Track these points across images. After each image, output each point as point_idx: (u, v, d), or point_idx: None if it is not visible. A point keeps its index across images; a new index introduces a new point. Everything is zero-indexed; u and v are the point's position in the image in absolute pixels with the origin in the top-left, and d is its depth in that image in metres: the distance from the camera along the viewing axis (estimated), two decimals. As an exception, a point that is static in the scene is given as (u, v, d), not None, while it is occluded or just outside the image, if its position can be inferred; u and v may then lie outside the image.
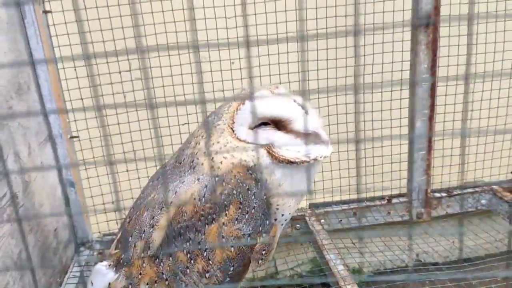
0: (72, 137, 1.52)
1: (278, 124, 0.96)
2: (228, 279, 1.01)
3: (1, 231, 1.08)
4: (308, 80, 1.63)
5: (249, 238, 0.97)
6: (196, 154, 0.97)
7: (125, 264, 1.03)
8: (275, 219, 1.01)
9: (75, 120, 1.52)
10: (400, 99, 1.73)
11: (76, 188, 1.53)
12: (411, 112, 1.72)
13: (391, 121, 1.77)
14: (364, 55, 1.66)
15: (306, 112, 0.95)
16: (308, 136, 0.95)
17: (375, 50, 1.68)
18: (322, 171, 1.77)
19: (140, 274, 1.00)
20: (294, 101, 0.96)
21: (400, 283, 1.85)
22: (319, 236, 1.65)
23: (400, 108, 1.74)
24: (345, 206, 1.83)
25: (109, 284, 1.04)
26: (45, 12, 1.43)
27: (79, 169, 1.56)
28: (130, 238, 1.01)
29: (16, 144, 1.21)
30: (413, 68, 1.66)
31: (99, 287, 1.05)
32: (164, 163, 1.08)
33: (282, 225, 1.03)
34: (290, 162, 0.94)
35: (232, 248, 0.97)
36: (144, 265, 0.99)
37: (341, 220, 1.82)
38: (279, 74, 1.59)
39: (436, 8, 1.57)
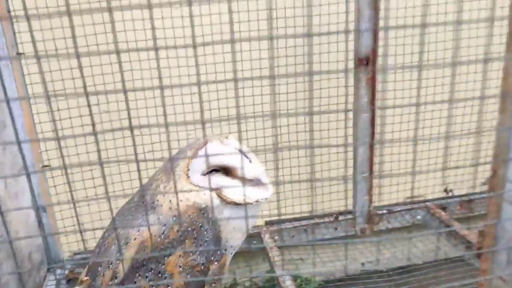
0: (44, 166, 1.65)
1: (227, 170, 1.14)
2: (185, 301, 1.18)
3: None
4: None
5: (202, 266, 1.15)
6: (156, 196, 1.13)
7: (94, 290, 1.18)
8: (225, 250, 1.18)
9: (46, 150, 1.66)
10: (345, 127, 1.95)
11: (48, 212, 1.67)
12: (355, 140, 1.93)
13: (337, 147, 1.98)
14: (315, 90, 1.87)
15: (250, 161, 1.13)
16: (251, 182, 1.13)
17: (322, 85, 1.88)
18: (278, 192, 1.96)
19: (108, 299, 1.16)
20: (240, 151, 1.14)
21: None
22: (272, 253, 1.84)
23: (346, 135, 1.96)
24: (296, 223, 2.02)
25: (81, 308, 1.19)
26: (18, 54, 1.55)
27: (50, 194, 1.69)
28: (100, 268, 1.17)
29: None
30: (356, 100, 1.87)
31: (72, 310, 1.20)
32: (129, 200, 1.24)
33: (231, 254, 1.21)
34: (236, 204, 1.12)
35: (188, 275, 1.14)
36: (111, 291, 1.15)
37: (293, 236, 2.02)
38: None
39: (374, 50, 1.79)
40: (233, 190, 1.12)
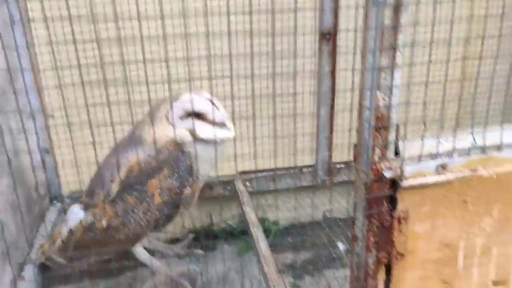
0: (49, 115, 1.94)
1: (199, 116, 1.44)
2: (163, 217, 1.50)
3: (2, 182, 1.52)
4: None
5: (178, 189, 1.46)
6: (142, 135, 1.44)
7: (91, 207, 1.49)
8: (196, 177, 1.50)
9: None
10: (310, 91, 2.25)
11: (50, 154, 1.97)
12: (318, 103, 2.23)
13: (302, 108, 2.28)
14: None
15: (218, 109, 1.43)
16: (218, 125, 1.44)
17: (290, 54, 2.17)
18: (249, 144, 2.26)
19: (102, 214, 1.47)
20: (210, 101, 1.44)
21: (310, 232, 2.42)
22: (243, 198, 2.16)
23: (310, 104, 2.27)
24: (266, 174, 2.34)
25: (80, 220, 1.50)
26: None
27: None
28: (95, 189, 1.48)
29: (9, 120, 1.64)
30: (319, 69, 2.17)
31: (73, 222, 1.52)
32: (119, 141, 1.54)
33: (201, 182, 1.53)
34: (205, 141, 1.43)
35: (166, 196, 1.45)
36: (105, 207, 1.46)
37: (262, 184, 2.34)
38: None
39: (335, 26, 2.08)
40: (204, 130, 1.43)
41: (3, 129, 1.57)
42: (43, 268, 1.67)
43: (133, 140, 1.45)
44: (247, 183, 2.31)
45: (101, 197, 1.47)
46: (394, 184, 0.89)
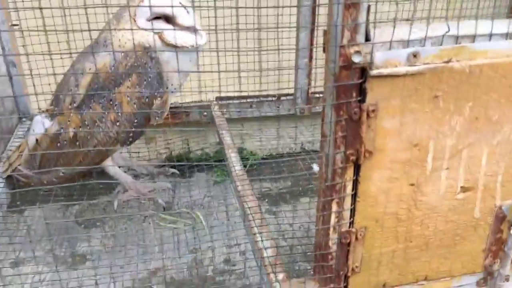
0: (12, 25, 1.83)
1: (168, 19, 1.36)
2: (133, 128, 1.45)
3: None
4: None
5: (147, 99, 1.41)
6: (108, 36, 1.36)
7: (57, 114, 1.44)
8: (167, 88, 1.44)
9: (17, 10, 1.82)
10: (290, 14, 2.16)
11: (17, 67, 1.88)
12: (298, 27, 2.15)
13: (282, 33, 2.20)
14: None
15: (188, 12, 1.35)
16: (188, 29, 1.36)
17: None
18: (226, 66, 2.18)
19: (69, 121, 1.42)
20: (180, 3, 1.35)
21: (286, 163, 2.41)
22: (219, 121, 2.11)
23: (290, 22, 2.18)
24: (243, 100, 2.29)
25: (46, 129, 1.45)
26: None
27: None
28: (61, 95, 1.42)
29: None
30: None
31: (39, 132, 1.46)
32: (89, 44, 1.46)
33: (172, 92, 1.47)
34: (174, 46, 1.36)
35: (135, 105, 1.40)
36: (71, 115, 1.41)
37: (239, 111, 2.30)
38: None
39: None
40: (173, 33, 1.36)
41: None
42: (12, 187, 1.63)
43: (98, 44, 1.37)
44: (224, 110, 2.26)
45: (67, 104, 1.41)
46: (363, 73, 0.85)
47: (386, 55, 0.83)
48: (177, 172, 1.85)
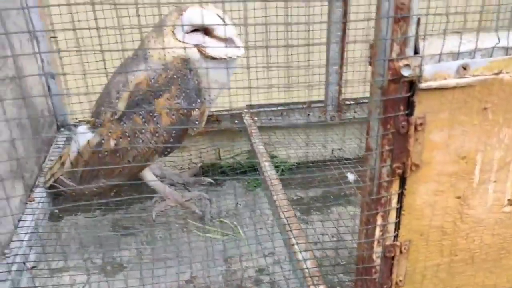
0: (51, 37, 1.89)
1: (206, 31, 1.38)
2: (171, 139, 1.47)
3: (6, 103, 1.49)
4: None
5: (186, 110, 1.43)
6: (148, 49, 1.39)
7: (98, 126, 1.47)
8: (204, 99, 1.46)
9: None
10: (320, 22, 2.16)
11: (56, 79, 1.93)
12: (328, 36, 2.15)
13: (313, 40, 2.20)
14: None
15: (225, 24, 1.37)
16: (226, 41, 1.38)
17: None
18: (257, 78, 2.20)
19: (110, 133, 1.45)
20: (217, 15, 1.37)
21: (317, 171, 2.40)
22: (250, 129, 2.12)
23: (320, 30, 2.18)
24: (274, 108, 2.30)
25: (88, 141, 1.49)
26: None
27: (58, 65, 1.94)
28: (102, 108, 1.45)
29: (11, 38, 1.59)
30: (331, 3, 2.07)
31: (81, 142, 1.50)
32: (126, 57, 1.50)
33: (209, 103, 1.49)
34: (213, 58, 1.38)
35: (174, 116, 1.42)
36: (112, 126, 1.44)
37: (270, 119, 2.30)
38: None
39: None
40: (212, 46, 1.37)
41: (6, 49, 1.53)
42: (54, 196, 1.67)
43: (138, 56, 1.40)
44: (255, 118, 2.27)
45: (108, 116, 1.44)
46: (412, 86, 0.84)
47: (436, 68, 0.82)
48: (213, 181, 1.87)
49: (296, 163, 2.50)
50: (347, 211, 2.08)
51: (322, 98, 2.30)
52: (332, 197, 2.24)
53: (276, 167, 2.42)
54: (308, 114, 2.32)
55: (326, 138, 2.50)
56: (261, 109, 2.28)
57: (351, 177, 2.06)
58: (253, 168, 2.26)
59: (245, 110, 2.27)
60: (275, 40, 2.07)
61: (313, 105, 2.31)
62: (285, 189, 1.65)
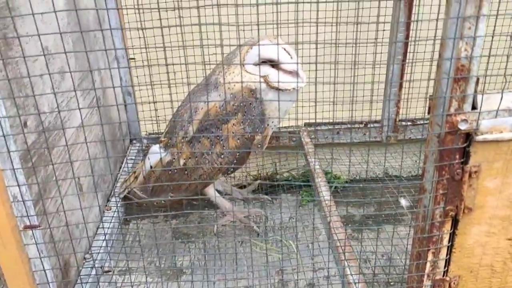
0: (130, 58, 2.07)
1: (273, 63, 1.49)
2: (235, 161, 1.59)
3: (93, 118, 1.68)
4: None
5: (249, 135, 1.54)
6: (219, 78, 1.51)
7: (171, 146, 1.62)
8: (268, 124, 1.57)
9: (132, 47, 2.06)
10: (381, 44, 2.20)
11: (132, 96, 2.11)
12: (389, 57, 2.19)
13: (374, 64, 2.25)
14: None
15: (291, 57, 1.47)
16: (291, 73, 1.48)
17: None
18: (315, 100, 2.28)
19: (180, 153, 1.60)
20: (284, 49, 1.48)
21: (370, 189, 2.45)
22: (307, 147, 2.21)
23: (381, 53, 2.22)
24: (330, 127, 2.37)
25: (160, 159, 1.64)
26: None
27: (134, 84, 2.12)
28: (175, 130, 1.60)
29: (99, 61, 1.78)
30: (393, 20, 2.11)
31: (154, 160, 1.65)
32: (196, 84, 1.63)
33: (272, 128, 1.59)
34: (278, 89, 1.48)
35: (239, 140, 1.54)
36: (183, 147, 1.58)
37: (327, 137, 2.38)
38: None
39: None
40: (277, 78, 1.48)
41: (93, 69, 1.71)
42: (125, 204, 1.84)
43: (209, 84, 1.53)
44: (312, 135, 2.35)
45: (180, 138, 1.58)
46: (468, 137, 0.90)
47: (492, 123, 0.87)
48: (269, 198, 1.98)
49: (350, 179, 2.56)
50: (397, 231, 2.11)
51: (379, 118, 2.35)
52: (383, 216, 2.28)
53: (328, 182, 2.50)
54: (365, 134, 2.38)
55: (380, 158, 2.54)
56: (319, 128, 2.36)
57: (404, 202, 2.10)
58: (308, 184, 2.34)
59: (303, 128, 2.36)
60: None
61: (370, 125, 2.36)
62: (337, 205, 1.71)
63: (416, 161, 2.57)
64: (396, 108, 2.30)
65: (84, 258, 1.45)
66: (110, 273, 1.49)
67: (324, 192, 1.85)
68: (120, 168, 1.98)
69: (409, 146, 2.49)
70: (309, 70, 1.71)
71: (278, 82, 1.43)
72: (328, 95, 2.27)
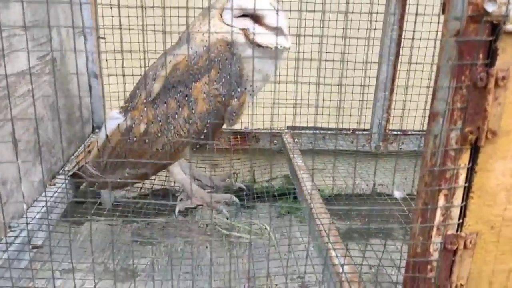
0: (99, 37, 1.88)
1: (255, 18, 1.31)
2: (205, 130, 1.37)
3: (42, 79, 1.45)
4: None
5: (223, 98, 1.33)
6: (192, 30, 1.33)
7: (131, 109, 1.39)
8: (245, 88, 1.36)
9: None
10: (373, 45, 2.07)
11: (99, 81, 1.90)
12: (380, 56, 2.05)
13: (364, 65, 2.10)
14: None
15: (277, 13, 1.30)
16: (274, 30, 1.30)
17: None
18: (301, 99, 2.10)
19: (141, 116, 1.37)
20: (270, 3, 1.31)
21: (357, 203, 2.22)
22: (292, 149, 1.99)
23: (372, 53, 2.08)
24: (316, 131, 2.17)
25: (118, 124, 1.41)
26: None
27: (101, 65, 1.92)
28: (137, 90, 1.38)
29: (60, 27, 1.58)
30: (385, 18, 1.99)
31: (111, 127, 1.42)
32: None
33: (250, 95, 1.39)
34: (258, 45, 1.29)
35: (211, 103, 1.33)
36: (145, 109, 1.36)
37: (311, 142, 2.17)
38: None
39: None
40: (258, 33, 1.30)
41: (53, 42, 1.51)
42: (77, 185, 1.57)
43: (181, 40, 1.34)
44: (296, 140, 2.15)
45: (142, 98, 1.36)
46: (494, 29, 0.71)
47: (525, 7, 0.69)
48: (244, 187, 1.73)
49: (333, 195, 2.33)
50: (386, 245, 1.86)
51: (367, 126, 2.17)
52: (371, 230, 2.03)
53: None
54: (352, 141, 2.18)
55: (368, 171, 2.32)
56: (303, 131, 2.16)
57: (398, 194, 1.86)
58: (286, 193, 2.10)
59: (286, 131, 2.16)
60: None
61: (358, 132, 2.17)
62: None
63: (405, 178, 2.36)
64: (386, 115, 2.13)
65: (9, 227, 1.17)
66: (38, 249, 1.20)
67: (315, 202, 1.56)
68: (75, 152, 1.73)
69: (398, 162, 2.29)
70: (287, 68, 1.52)
71: (256, 33, 1.23)
72: (312, 96, 2.11)
